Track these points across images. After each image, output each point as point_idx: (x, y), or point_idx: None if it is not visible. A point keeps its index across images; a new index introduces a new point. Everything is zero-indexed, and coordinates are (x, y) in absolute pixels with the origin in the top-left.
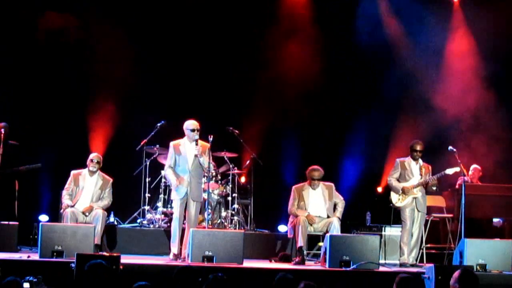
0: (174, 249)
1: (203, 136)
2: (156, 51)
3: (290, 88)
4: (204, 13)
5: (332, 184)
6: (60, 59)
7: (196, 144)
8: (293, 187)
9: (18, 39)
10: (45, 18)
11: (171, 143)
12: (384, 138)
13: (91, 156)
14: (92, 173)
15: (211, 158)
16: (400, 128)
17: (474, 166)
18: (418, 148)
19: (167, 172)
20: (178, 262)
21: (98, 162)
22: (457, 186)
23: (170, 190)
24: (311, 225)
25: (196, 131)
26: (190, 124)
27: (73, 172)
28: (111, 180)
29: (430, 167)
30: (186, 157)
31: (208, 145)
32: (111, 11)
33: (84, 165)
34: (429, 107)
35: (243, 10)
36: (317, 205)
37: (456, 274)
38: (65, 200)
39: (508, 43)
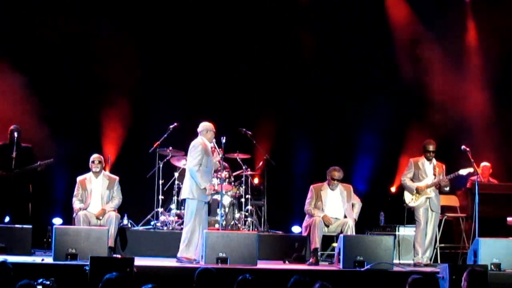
0: (192, 254)
1: (216, 137)
2: (169, 53)
3: (302, 88)
4: (217, 14)
5: (350, 186)
6: (72, 62)
7: (215, 148)
8: (311, 186)
9: (34, 43)
10: (56, 21)
11: (200, 142)
12: (397, 137)
13: (92, 157)
14: (96, 174)
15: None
16: (413, 127)
17: (483, 164)
18: (431, 148)
19: (198, 173)
20: (191, 265)
21: (100, 162)
22: (468, 185)
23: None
24: (327, 226)
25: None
26: (213, 127)
27: (78, 178)
28: (117, 178)
29: (444, 166)
30: (211, 158)
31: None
32: (120, 15)
33: None
34: (442, 106)
35: (258, 8)
36: (334, 206)
37: (464, 274)
38: (76, 204)
39: None
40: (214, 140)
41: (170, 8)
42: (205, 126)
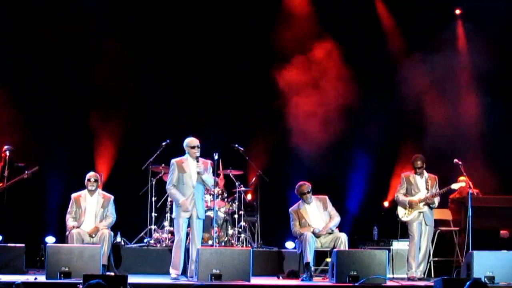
0: (176, 271)
1: (209, 154)
2: (161, 71)
3: (295, 105)
4: (215, 28)
5: (326, 197)
6: (66, 79)
7: (197, 161)
8: (290, 210)
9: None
10: (56, 21)
11: (173, 161)
12: (389, 152)
13: (88, 175)
14: (92, 192)
15: (212, 173)
16: (405, 141)
17: (462, 177)
18: (419, 164)
19: (171, 191)
20: (185, 281)
21: (96, 181)
22: (449, 204)
23: None
24: (318, 237)
25: (196, 148)
26: (190, 142)
27: (73, 195)
28: (112, 197)
29: (436, 178)
30: (190, 175)
31: (209, 161)
32: (118, 28)
33: None
34: (433, 119)
35: (254, 23)
36: (317, 218)
37: (467, 284)
38: (70, 222)
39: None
40: (196, 153)
41: (168, 25)
42: (185, 143)
